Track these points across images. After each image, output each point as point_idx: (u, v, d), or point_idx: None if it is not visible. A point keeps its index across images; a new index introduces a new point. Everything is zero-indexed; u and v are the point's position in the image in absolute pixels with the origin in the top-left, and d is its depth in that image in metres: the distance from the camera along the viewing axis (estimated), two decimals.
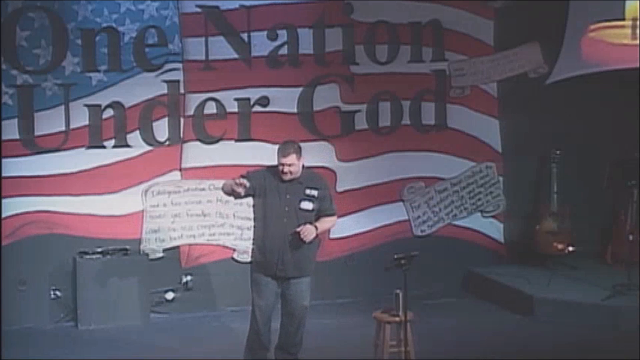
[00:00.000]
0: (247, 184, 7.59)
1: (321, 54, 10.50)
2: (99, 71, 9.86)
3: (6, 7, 9.54)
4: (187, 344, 9.17)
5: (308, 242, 7.66)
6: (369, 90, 10.66)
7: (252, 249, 7.87)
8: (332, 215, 7.93)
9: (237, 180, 7.59)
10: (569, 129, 10.94)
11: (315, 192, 7.75)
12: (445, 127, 10.94)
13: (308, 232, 7.63)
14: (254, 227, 7.85)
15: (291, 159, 7.66)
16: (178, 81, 10.10)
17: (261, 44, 10.29)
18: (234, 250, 10.17)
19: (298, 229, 7.62)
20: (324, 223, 7.86)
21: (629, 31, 10.41)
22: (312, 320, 9.61)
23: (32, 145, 9.74)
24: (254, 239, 7.85)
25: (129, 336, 9.41)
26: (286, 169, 7.65)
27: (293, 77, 10.42)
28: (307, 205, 7.72)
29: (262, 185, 7.72)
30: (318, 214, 7.80)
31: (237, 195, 7.74)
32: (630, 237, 10.09)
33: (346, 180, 10.63)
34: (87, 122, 9.87)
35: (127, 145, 9.99)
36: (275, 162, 7.78)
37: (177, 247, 10.19)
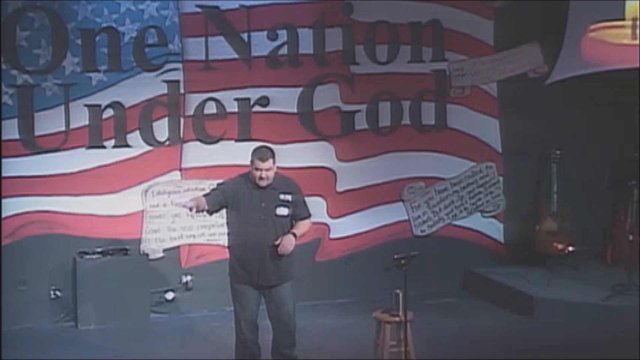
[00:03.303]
0: (197, 208, 7.44)
1: (321, 54, 10.50)
2: (99, 71, 9.86)
3: (6, 7, 9.54)
4: (187, 344, 9.18)
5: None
6: (369, 90, 10.66)
7: (230, 260, 7.75)
8: (307, 218, 7.79)
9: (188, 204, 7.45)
10: (569, 129, 10.94)
11: (289, 197, 7.63)
12: (445, 127, 10.94)
13: (289, 243, 7.54)
14: (229, 238, 7.73)
15: (269, 163, 7.54)
16: (178, 81, 10.10)
17: (261, 44, 10.29)
18: None
19: (277, 242, 7.51)
20: (301, 227, 7.71)
21: (629, 31, 10.40)
22: (312, 320, 9.65)
23: (32, 145, 9.74)
24: (231, 251, 7.72)
25: (129, 336, 9.41)
26: (264, 174, 7.52)
27: (293, 77, 10.42)
28: (282, 211, 7.59)
29: (236, 196, 7.60)
30: (293, 219, 7.68)
31: (205, 210, 7.63)
32: (630, 237, 10.09)
33: (346, 180, 10.63)
34: (87, 122, 9.88)
35: (127, 145, 9.99)
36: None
37: (177, 247, 10.19)
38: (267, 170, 7.54)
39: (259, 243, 7.56)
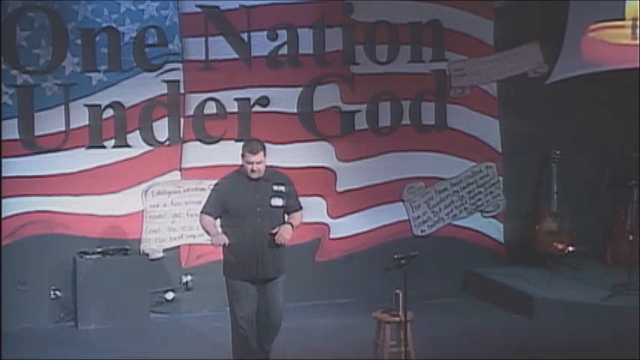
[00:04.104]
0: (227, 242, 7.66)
1: (321, 54, 10.50)
2: (99, 71, 9.86)
3: (6, 7, 9.54)
4: (187, 344, 9.17)
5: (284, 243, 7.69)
6: (369, 90, 10.66)
7: (226, 257, 7.79)
8: (299, 210, 7.91)
9: (218, 242, 7.67)
10: (569, 129, 10.94)
11: (282, 188, 7.76)
12: (445, 127, 10.94)
13: (286, 232, 7.65)
14: (225, 233, 7.75)
15: (259, 156, 7.68)
16: (178, 81, 10.10)
17: (261, 44, 10.29)
18: None
19: (274, 231, 7.62)
20: (296, 219, 7.85)
21: (629, 31, 10.40)
22: (312, 320, 9.66)
23: (32, 145, 9.74)
24: (227, 246, 7.73)
25: (129, 336, 9.41)
26: (255, 167, 7.66)
27: (293, 77, 10.42)
28: (277, 201, 7.72)
29: (231, 192, 7.71)
30: (286, 210, 7.80)
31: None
32: (630, 237, 10.08)
33: (346, 180, 10.63)
34: (87, 122, 9.88)
35: (127, 145, 9.99)
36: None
37: (177, 247, 10.19)
38: (258, 163, 7.67)
39: (257, 235, 7.64)
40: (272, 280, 7.74)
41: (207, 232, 7.81)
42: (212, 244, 7.89)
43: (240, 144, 10.02)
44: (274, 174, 7.86)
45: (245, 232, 7.64)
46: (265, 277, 7.71)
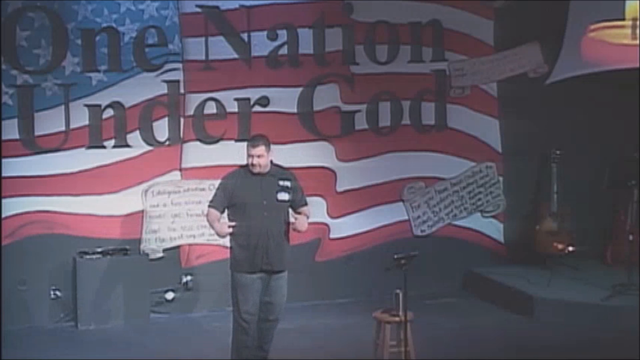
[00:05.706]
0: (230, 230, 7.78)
1: (321, 54, 10.50)
2: (99, 71, 9.87)
3: (6, 7, 9.54)
4: (187, 344, 9.17)
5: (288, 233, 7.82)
6: (369, 90, 10.66)
7: (233, 251, 7.86)
8: (306, 205, 8.04)
9: (221, 230, 7.80)
10: (569, 129, 10.94)
11: (288, 183, 7.85)
12: (445, 127, 10.94)
13: (305, 221, 7.84)
14: (233, 229, 7.83)
15: (260, 150, 7.75)
16: (178, 81, 10.11)
17: (261, 44, 10.29)
18: None
19: (294, 220, 7.76)
20: (307, 212, 8.00)
21: (629, 31, 10.40)
22: (312, 320, 9.66)
23: (32, 145, 9.74)
24: (234, 239, 7.82)
25: (129, 336, 9.41)
26: (255, 160, 7.74)
27: (293, 77, 10.42)
28: (283, 196, 7.81)
29: (237, 187, 7.80)
30: (293, 205, 7.90)
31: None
32: (630, 237, 10.08)
33: (346, 180, 10.63)
34: (87, 122, 9.88)
35: (127, 145, 10.00)
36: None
37: (177, 247, 10.19)
38: (258, 156, 7.75)
39: (264, 227, 7.71)
40: (276, 273, 7.80)
41: (212, 226, 7.91)
42: (217, 234, 7.98)
43: (240, 144, 10.12)
44: (279, 171, 7.94)
45: (252, 224, 7.71)
46: (271, 269, 7.77)
